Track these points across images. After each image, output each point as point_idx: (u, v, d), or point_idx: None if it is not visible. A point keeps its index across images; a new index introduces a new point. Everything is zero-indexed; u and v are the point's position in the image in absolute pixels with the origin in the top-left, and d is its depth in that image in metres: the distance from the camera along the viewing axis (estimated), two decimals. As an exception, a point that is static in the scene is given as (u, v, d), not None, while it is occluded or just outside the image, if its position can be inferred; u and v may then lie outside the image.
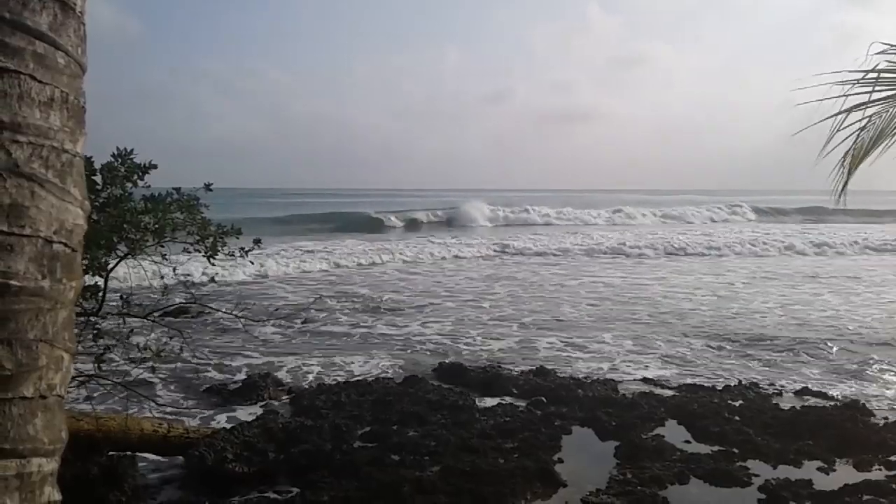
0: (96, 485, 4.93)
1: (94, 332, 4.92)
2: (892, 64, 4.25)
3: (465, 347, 10.41)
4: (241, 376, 8.61)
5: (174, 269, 5.31)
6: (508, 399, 7.69)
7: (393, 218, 41.82)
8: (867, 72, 4.20)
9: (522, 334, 11.34)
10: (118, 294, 5.18)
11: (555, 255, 24.95)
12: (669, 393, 7.96)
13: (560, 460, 5.93)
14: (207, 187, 4.99)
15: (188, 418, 7.06)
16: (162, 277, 5.38)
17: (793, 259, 24.28)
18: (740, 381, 8.36)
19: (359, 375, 8.79)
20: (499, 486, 5.21)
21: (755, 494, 5.35)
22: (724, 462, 5.88)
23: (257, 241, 5.31)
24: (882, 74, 4.23)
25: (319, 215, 41.95)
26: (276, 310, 12.55)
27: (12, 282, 1.39)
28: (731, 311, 13.50)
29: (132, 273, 5.01)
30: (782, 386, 8.29)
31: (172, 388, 8.14)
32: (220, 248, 5.07)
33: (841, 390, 8.18)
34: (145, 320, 5.24)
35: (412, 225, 41.42)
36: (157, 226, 4.85)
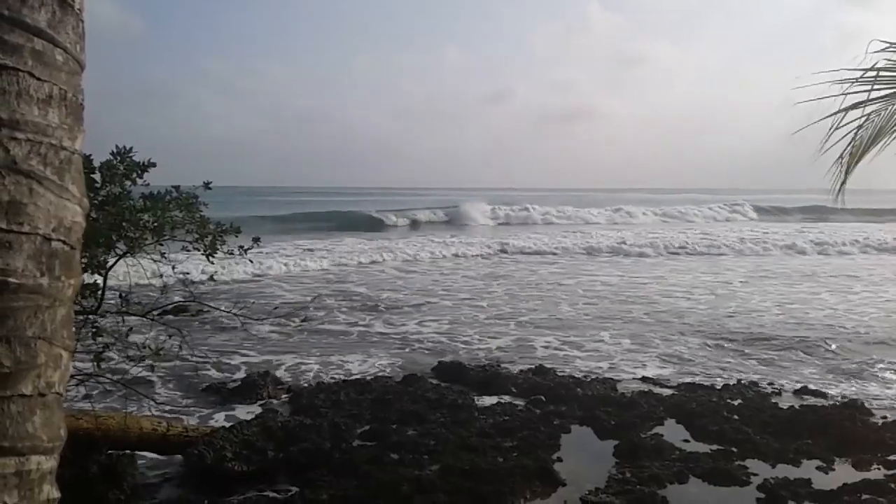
0: (95, 483, 4.93)
1: (93, 330, 4.91)
2: (891, 62, 4.25)
3: (462, 346, 10.41)
4: (240, 375, 8.62)
5: (173, 268, 5.30)
6: (507, 398, 7.70)
7: (392, 217, 41.80)
8: (866, 70, 4.21)
9: (520, 333, 11.34)
10: (117, 292, 5.18)
11: (554, 253, 24.96)
12: (668, 392, 7.96)
13: (559, 459, 5.94)
14: (207, 185, 4.99)
15: (187, 417, 7.07)
16: (161, 276, 5.38)
17: (791, 258, 24.30)
18: (739, 381, 8.36)
19: (357, 374, 8.79)
20: (498, 484, 5.22)
21: (754, 493, 5.36)
22: (723, 461, 5.89)
23: (256, 240, 5.30)
24: (881, 73, 4.23)
25: (319, 214, 41.93)
26: (275, 308, 12.55)
27: (11, 279, 1.39)
28: (729, 310, 13.51)
29: (131, 271, 5.01)
30: (781, 385, 8.30)
31: (171, 386, 8.14)
32: (219, 247, 5.07)
33: (839, 389, 8.19)
34: (144, 319, 5.23)
35: (412, 224, 41.43)
36: (156, 224, 4.84)
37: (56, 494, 1.54)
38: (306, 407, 7.21)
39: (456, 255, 23.81)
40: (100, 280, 4.85)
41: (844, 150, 4.67)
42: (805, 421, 6.71)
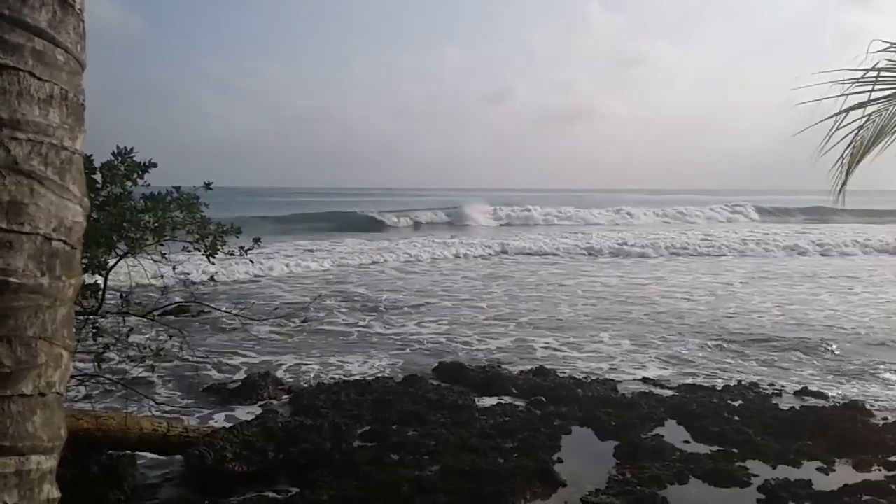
0: (96, 483, 4.93)
1: (94, 330, 4.92)
2: (892, 62, 4.25)
3: (462, 347, 10.41)
4: (241, 375, 8.62)
5: (174, 268, 5.31)
6: (508, 399, 7.70)
7: (393, 217, 41.79)
8: (867, 70, 4.20)
9: (519, 334, 11.34)
10: (118, 293, 5.18)
11: (554, 254, 24.95)
12: (669, 393, 7.96)
13: (559, 460, 5.93)
14: (207, 186, 4.99)
15: (187, 417, 7.07)
16: (161, 276, 5.37)
17: (792, 259, 24.29)
18: (740, 382, 8.36)
19: (356, 375, 8.79)
20: (498, 485, 5.21)
21: (754, 494, 5.35)
22: (723, 462, 5.88)
23: (257, 241, 5.30)
24: (882, 73, 4.23)
25: (319, 214, 41.92)
26: (276, 309, 12.55)
27: (11, 279, 1.39)
28: (729, 310, 13.51)
29: (132, 272, 5.01)
30: (782, 386, 8.29)
31: (172, 387, 8.15)
32: (219, 247, 5.07)
33: (840, 390, 8.19)
34: (145, 319, 5.23)
35: (412, 224, 41.41)
36: (156, 224, 4.84)
37: (56, 494, 1.54)
38: (307, 408, 7.20)
39: (456, 256, 23.81)
40: (100, 280, 4.85)
41: (845, 150, 4.67)
42: (805, 422, 6.70)
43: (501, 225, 42.79)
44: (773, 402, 7.60)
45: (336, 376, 8.74)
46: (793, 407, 7.29)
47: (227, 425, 6.33)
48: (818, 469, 5.83)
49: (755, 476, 5.63)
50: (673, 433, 6.63)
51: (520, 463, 5.65)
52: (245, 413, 7.14)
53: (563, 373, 8.74)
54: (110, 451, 5.27)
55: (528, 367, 8.90)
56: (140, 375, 6.27)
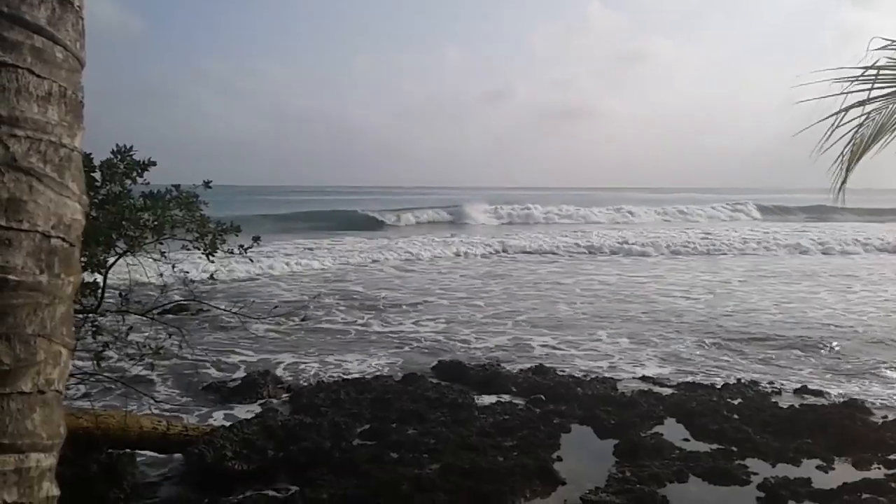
0: (96, 482, 4.94)
1: (94, 328, 4.92)
2: (891, 60, 4.25)
3: (460, 345, 10.42)
4: (240, 374, 8.62)
5: (173, 267, 5.30)
6: (507, 397, 7.70)
7: (392, 216, 41.77)
8: (867, 68, 4.20)
9: (517, 332, 11.35)
10: (117, 291, 5.18)
11: (554, 253, 24.95)
12: (668, 391, 7.96)
13: (559, 458, 5.94)
14: (207, 185, 4.99)
15: (187, 415, 7.08)
16: (161, 275, 5.37)
17: (791, 258, 24.29)
18: (739, 380, 8.36)
19: (355, 373, 8.80)
20: (498, 484, 5.22)
21: (754, 493, 5.36)
22: (722, 460, 5.89)
23: (256, 239, 5.31)
24: (882, 71, 4.23)
25: (319, 213, 41.89)
26: (275, 307, 12.52)
27: (10, 276, 1.39)
28: (728, 309, 13.51)
29: (131, 270, 5.01)
30: (781, 384, 8.30)
31: (171, 385, 8.15)
32: (219, 246, 5.07)
33: (839, 389, 8.19)
34: (144, 317, 5.23)
35: (412, 223, 41.38)
36: (156, 223, 4.85)
37: (56, 492, 1.54)
38: (306, 406, 7.21)
39: (456, 255, 23.80)
40: (100, 279, 4.85)
41: (845, 148, 4.67)
42: (805, 420, 6.71)
43: (502, 224, 42.77)
44: (773, 400, 7.61)
45: (335, 375, 8.75)
46: (792, 405, 7.29)
47: (227, 424, 6.33)
48: (817, 467, 5.83)
49: (755, 474, 5.64)
50: (672, 431, 6.63)
51: (519, 461, 5.65)
52: (245, 411, 7.15)
53: (563, 371, 8.75)
54: (110, 450, 5.27)
55: (528, 366, 8.91)
56: (139, 374, 6.29)
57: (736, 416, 6.93)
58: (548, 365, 8.93)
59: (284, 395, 7.85)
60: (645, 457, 5.92)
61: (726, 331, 11.43)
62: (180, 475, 5.59)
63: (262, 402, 7.56)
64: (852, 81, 4.24)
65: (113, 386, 6.15)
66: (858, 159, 4.67)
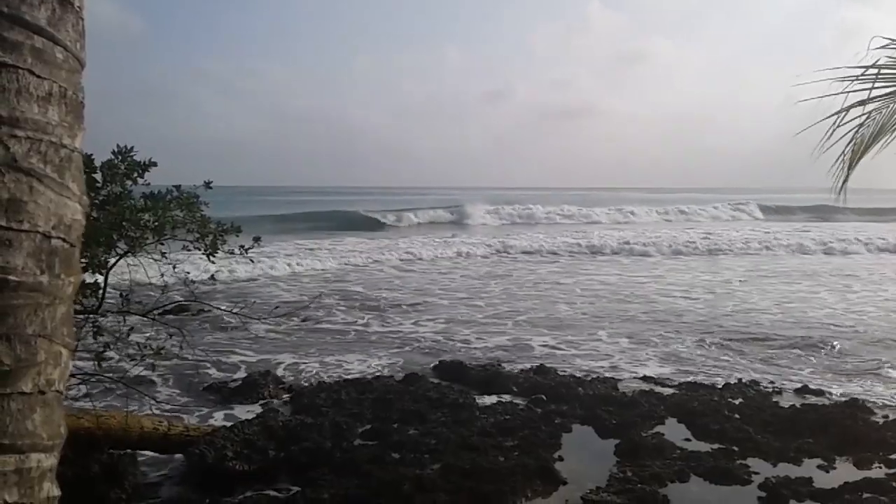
0: (97, 482, 4.94)
1: (95, 329, 4.91)
2: (892, 59, 4.24)
3: (461, 345, 10.42)
4: (241, 374, 8.62)
5: (174, 267, 5.30)
6: (508, 397, 7.70)
7: (392, 216, 41.77)
8: (867, 67, 4.20)
9: (517, 332, 11.35)
10: (118, 292, 5.18)
11: (554, 253, 24.94)
12: (669, 391, 7.96)
13: (560, 458, 5.93)
14: (207, 185, 4.99)
15: (188, 416, 7.08)
16: (162, 275, 5.37)
17: (792, 257, 24.28)
18: (740, 380, 8.36)
19: (356, 373, 8.80)
20: (499, 483, 5.21)
21: (755, 492, 5.35)
22: (724, 460, 5.88)
23: (257, 239, 5.30)
24: (883, 70, 4.22)
25: (319, 214, 41.87)
26: (276, 307, 12.53)
27: (11, 277, 1.39)
28: (727, 309, 13.50)
29: (132, 271, 5.01)
30: (782, 384, 8.29)
31: (172, 385, 8.15)
32: (219, 246, 5.07)
33: (839, 388, 8.18)
34: (145, 318, 5.23)
35: (412, 223, 41.37)
36: (156, 223, 4.84)
37: (56, 492, 1.54)
38: (307, 406, 7.20)
39: (457, 255, 23.78)
40: (101, 279, 4.85)
41: (846, 148, 4.67)
42: (806, 420, 6.70)
43: (502, 224, 42.74)
44: (774, 399, 7.60)
45: (335, 374, 8.75)
46: (793, 405, 7.29)
47: (228, 424, 6.33)
48: (819, 467, 5.83)
49: (756, 474, 5.63)
50: (673, 431, 6.63)
51: (520, 461, 5.65)
52: (245, 412, 7.14)
53: (564, 371, 8.75)
54: (111, 450, 5.27)
55: (529, 366, 8.91)
56: (140, 374, 6.28)
57: (737, 416, 6.93)
58: (548, 365, 8.93)
59: (285, 396, 7.84)
60: (646, 456, 5.92)
61: (726, 331, 11.42)
62: (181, 475, 5.59)
63: (262, 402, 7.55)
64: (853, 80, 4.23)
65: (114, 386, 6.14)
66: (860, 159, 4.66)
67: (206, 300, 5.91)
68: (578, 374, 8.58)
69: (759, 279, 18.15)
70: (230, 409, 7.35)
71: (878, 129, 4.53)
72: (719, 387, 8.06)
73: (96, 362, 5.04)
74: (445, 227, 39.78)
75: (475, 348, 10.27)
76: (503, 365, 9.03)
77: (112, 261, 4.93)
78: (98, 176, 4.64)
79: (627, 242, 26.93)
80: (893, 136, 4.52)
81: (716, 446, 6.22)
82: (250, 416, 6.64)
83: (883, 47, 4.22)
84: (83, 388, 5.48)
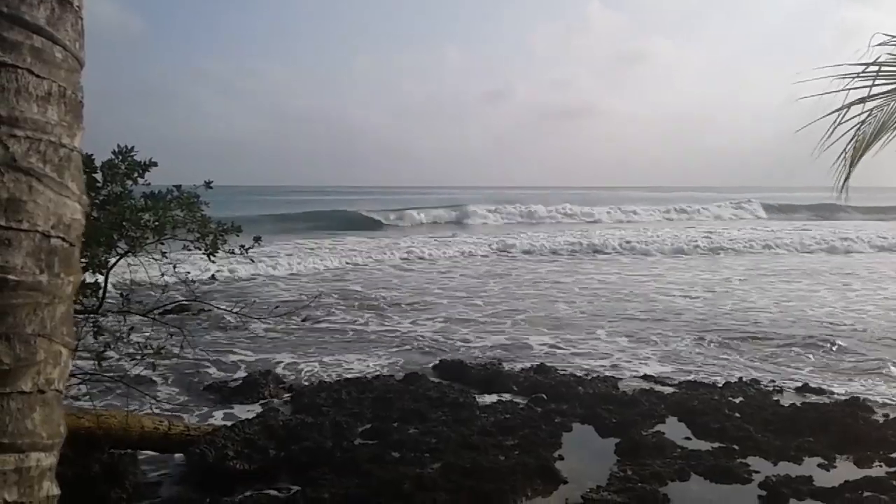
0: (97, 482, 4.94)
1: (95, 329, 4.92)
2: (893, 57, 4.24)
3: (460, 344, 10.42)
4: (241, 374, 8.62)
5: (174, 267, 5.30)
6: (508, 396, 7.70)
7: (393, 216, 41.77)
8: (868, 65, 4.19)
9: (516, 331, 11.35)
10: (119, 291, 5.18)
11: (554, 252, 24.93)
12: (670, 390, 7.95)
13: (560, 457, 5.93)
14: (208, 185, 4.99)
15: (188, 415, 7.08)
16: (162, 275, 5.38)
17: (792, 256, 24.27)
18: (740, 378, 8.36)
19: (356, 373, 8.80)
20: (499, 482, 5.21)
21: (755, 491, 5.35)
22: (724, 459, 5.89)
23: (257, 239, 5.30)
24: (883, 67, 4.22)
25: (319, 213, 41.85)
26: (276, 307, 12.53)
27: (10, 276, 1.39)
28: (727, 308, 13.50)
29: (132, 270, 5.01)
30: (783, 383, 8.29)
31: (172, 385, 8.15)
32: (220, 246, 5.07)
33: (840, 387, 8.18)
34: (145, 318, 5.24)
35: (412, 223, 41.37)
36: (157, 223, 4.85)
37: (56, 491, 1.54)
38: (308, 406, 7.21)
39: (457, 254, 23.79)
40: (101, 279, 4.85)
41: (847, 145, 4.66)
42: (806, 418, 6.70)
43: (503, 223, 42.73)
44: (774, 398, 7.60)
45: (335, 373, 8.75)
46: (793, 403, 7.28)
47: (228, 423, 6.34)
48: (819, 465, 5.83)
49: (756, 472, 5.63)
50: (674, 430, 6.63)
51: (521, 460, 5.65)
52: (246, 411, 7.14)
53: (564, 370, 8.75)
54: (111, 450, 5.28)
55: (529, 365, 8.91)
56: (141, 374, 6.28)
57: (737, 415, 6.93)
58: (548, 364, 8.93)
59: (286, 395, 7.84)
60: (646, 455, 5.92)
61: (725, 329, 11.42)
62: (182, 475, 5.59)
63: (263, 401, 7.56)
64: (854, 78, 4.23)
65: (114, 386, 6.15)
66: (861, 156, 4.66)
67: (206, 300, 5.92)
68: (578, 373, 8.58)
69: (759, 278, 18.14)
70: (230, 409, 7.35)
71: (879, 127, 4.53)
72: (720, 385, 8.07)
73: (96, 362, 5.04)
74: (445, 226, 39.79)
75: (475, 347, 10.27)
76: (503, 364, 9.03)
77: (112, 260, 4.94)
78: (98, 176, 4.64)
79: (628, 241, 26.91)
80: (894, 133, 4.51)
81: (716, 445, 6.22)
82: (250, 416, 6.64)
83: (883, 44, 4.21)
84: (83, 388, 5.48)
